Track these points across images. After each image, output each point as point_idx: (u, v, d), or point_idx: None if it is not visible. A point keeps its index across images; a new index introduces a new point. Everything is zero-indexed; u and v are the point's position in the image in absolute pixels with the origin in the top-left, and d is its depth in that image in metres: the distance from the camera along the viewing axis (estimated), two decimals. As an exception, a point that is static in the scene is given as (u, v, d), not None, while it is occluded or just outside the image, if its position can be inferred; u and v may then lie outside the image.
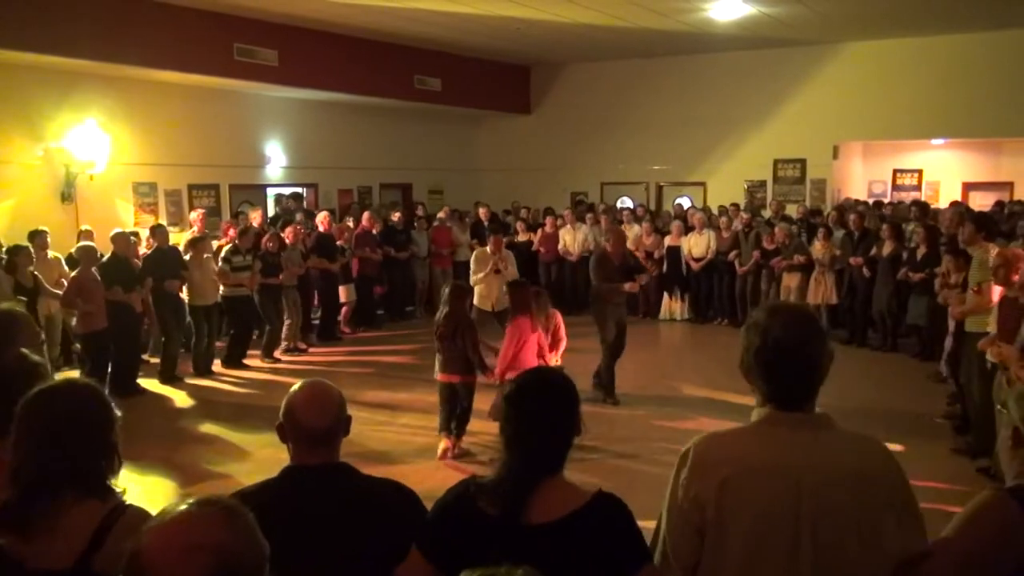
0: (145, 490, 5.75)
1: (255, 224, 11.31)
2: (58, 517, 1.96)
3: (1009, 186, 15.20)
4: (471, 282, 8.79)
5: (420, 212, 13.77)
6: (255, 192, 13.41)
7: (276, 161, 13.57)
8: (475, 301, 8.44)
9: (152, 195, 11.62)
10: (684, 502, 2.01)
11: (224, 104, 12.53)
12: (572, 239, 13.33)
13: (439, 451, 6.67)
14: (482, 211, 14.13)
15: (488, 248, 9.52)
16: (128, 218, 11.22)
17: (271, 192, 13.87)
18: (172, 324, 9.31)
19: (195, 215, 10.63)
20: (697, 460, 2.03)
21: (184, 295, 9.49)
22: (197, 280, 9.46)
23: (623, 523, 1.98)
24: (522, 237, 13.71)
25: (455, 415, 6.70)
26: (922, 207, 11.87)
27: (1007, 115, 13.01)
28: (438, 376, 6.77)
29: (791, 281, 11.23)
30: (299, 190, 13.72)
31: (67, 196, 10.48)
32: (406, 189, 16.34)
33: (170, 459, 6.67)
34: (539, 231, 13.69)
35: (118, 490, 2.08)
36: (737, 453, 2.02)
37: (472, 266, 9.29)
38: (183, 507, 1.38)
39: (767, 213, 13.60)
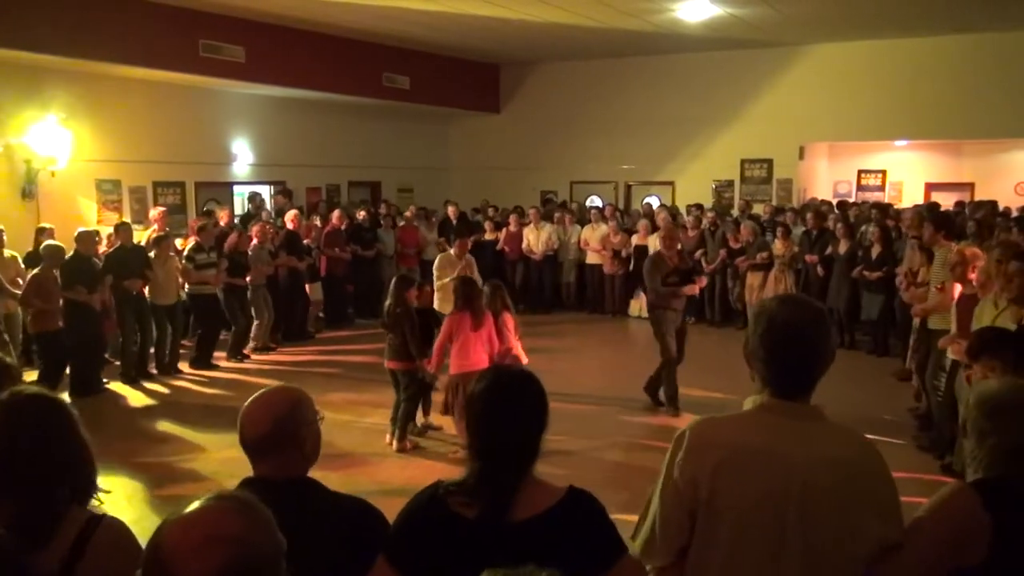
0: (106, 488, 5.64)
1: (223, 223, 11.20)
2: (58, 521, 1.98)
3: (970, 187, 15.50)
4: (435, 286, 8.57)
5: (384, 210, 13.70)
6: (222, 190, 13.28)
7: (243, 159, 13.45)
8: (436, 306, 8.31)
9: (116, 192, 11.45)
10: (679, 482, 2.04)
11: (190, 100, 12.38)
12: (536, 238, 13.34)
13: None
14: (451, 209, 14.11)
15: (453, 252, 9.16)
16: (91, 215, 11.04)
17: (238, 190, 13.75)
18: (131, 323, 9.20)
19: (155, 212, 10.50)
20: (693, 442, 2.07)
21: (147, 294, 9.37)
22: (160, 279, 9.35)
23: (598, 516, 1.99)
24: (490, 236, 13.72)
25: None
26: (881, 208, 12.05)
27: (968, 117, 13.26)
28: (385, 364, 7.04)
29: (755, 279, 11.33)
30: (258, 189, 13.64)
31: (28, 193, 10.29)
32: (375, 187, 16.26)
33: (131, 459, 6.58)
34: (504, 230, 13.69)
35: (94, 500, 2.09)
36: (732, 437, 2.06)
37: (435, 271, 8.89)
38: (200, 501, 1.40)
39: (735, 212, 13.73)
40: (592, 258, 13.21)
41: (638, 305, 12.87)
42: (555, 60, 16.16)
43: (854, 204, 14.56)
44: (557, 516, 1.94)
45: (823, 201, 14.24)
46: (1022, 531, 1.98)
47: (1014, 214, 12.05)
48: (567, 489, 2.01)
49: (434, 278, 8.72)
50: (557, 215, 13.90)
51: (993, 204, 12.81)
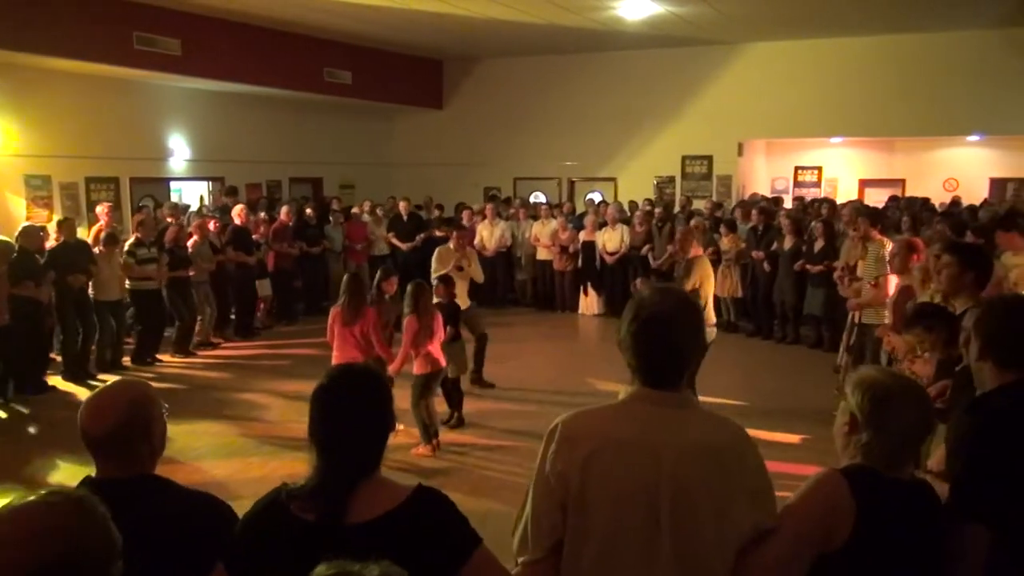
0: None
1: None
2: None
3: (901, 183, 15.98)
4: (432, 280, 8.32)
5: (336, 206, 13.55)
6: (158, 186, 12.95)
7: (180, 154, 13.13)
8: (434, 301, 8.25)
9: (46, 188, 11.07)
10: (550, 476, 2.04)
11: (124, 94, 12.03)
12: (489, 234, 13.32)
13: None
14: (402, 205, 13.96)
15: (451, 245, 8.83)
16: (20, 212, 10.67)
17: (175, 186, 13.44)
18: (73, 319, 9.03)
19: (101, 208, 10.26)
20: (564, 435, 2.06)
21: (90, 290, 9.23)
22: (105, 275, 9.23)
23: (446, 514, 1.98)
24: (441, 232, 13.66)
25: None
26: (830, 204, 12.27)
27: (900, 115, 13.66)
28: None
29: None
30: (196, 186, 13.35)
31: (-48, 189, 9.92)
32: (317, 183, 16.06)
33: (77, 456, 6.39)
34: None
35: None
36: (602, 428, 2.06)
37: (433, 264, 8.61)
38: (34, 496, 1.42)
39: (676, 209, 13.90)
40: (543, 254, 13.24)
41: (588, 302, 12.93)
42: (498, 56, 16.15)
43: (797, 200, 14.87)
44: (402, 516, 1.92)
45: (764, 197, 14.50)
46: (882, 518, 2.02)
47: (940, 209, 12.45)
48: (414, 488, 1.99)
49: (431, 271, 8.51)
50: (512, 211, 13.89)
51: (924, 200, 13.20)
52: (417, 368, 6.69)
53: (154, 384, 7.53)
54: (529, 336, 11.64)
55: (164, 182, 13.13)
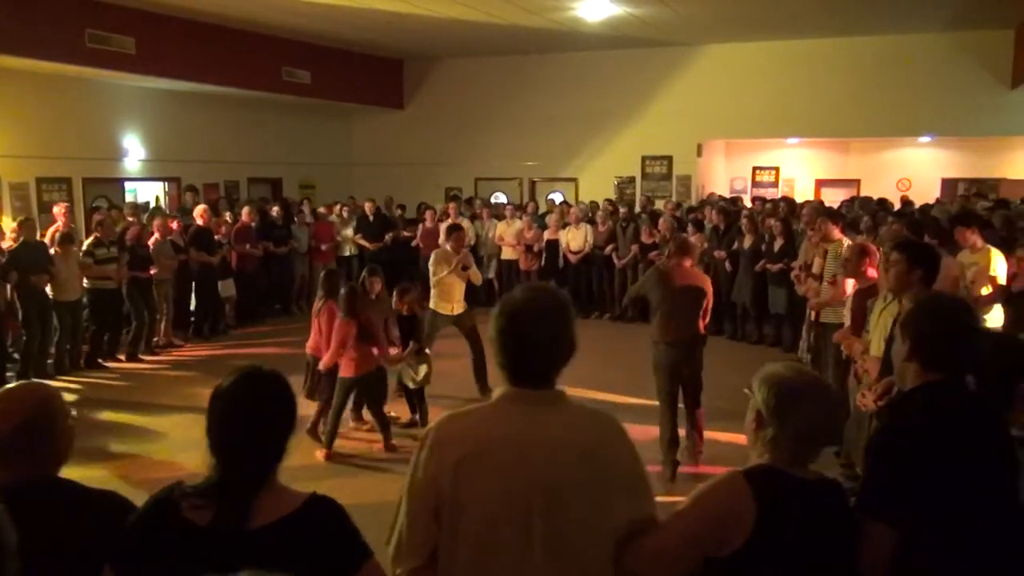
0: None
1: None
2: None
3: (856, 183, 16.27)
4: (431, 283, 8.14)
5: (307, 207, 13.40)
6: (112, 186, 12.69)
7: (135, 154, 12.88)
8: (432, 304, 8.05)
9: (-5, 189, 10.81)
10: (423, 481, 2.01)
11: (77, 93, 11.77)
12: (454, 235, 13.25)
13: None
14: (368, 205, 13.82)
15: (449, 246, 8.33)
16: (-33, 214, 10.41)
17: (130, 186, 13.19)
18: (36, 320, 8.94)
19: (58, 209, 10.07)
20: (436, 440, 2.03)
21: (49, 291, 9.11)
22: (63, 275, 9.10)
23: (338, 524, 1.95)
24: (408, 233, 13.57)
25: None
26: (789, 204, 12.39)
27: (855, 117, 13.90)
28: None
29: None
30: (152, 186, 13.12)
31: None
32: (276, 184, 15.86)
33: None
34: (419, 226, 13.56)
35: None
36: (474, 431, 2.03)
37: (431, 267, 8.18)
38: None
39: (637, 209, 13.97)
40: (507, 253, 13.21)
41: None
42: (459, 56, 16.11)
43: (757, 200, 15.01)
44: (293, 524, 1.89)
45: (722, 197, 14.64)
46: (781, 521, 2.01)
47: (896, 207, 12.67)
48: (307, 496, 1.96)
49: (430, 273, 8.18)
50: (476, 211, 13.87)
51: (881, 201, 13.42)
52: (343, 371, 6.59)
53: (114, 384, 7.53)
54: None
55: (119, 182, 12.87)
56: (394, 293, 7.18)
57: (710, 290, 6.20)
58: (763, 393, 2.13)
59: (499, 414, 2.06)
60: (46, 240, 9.32)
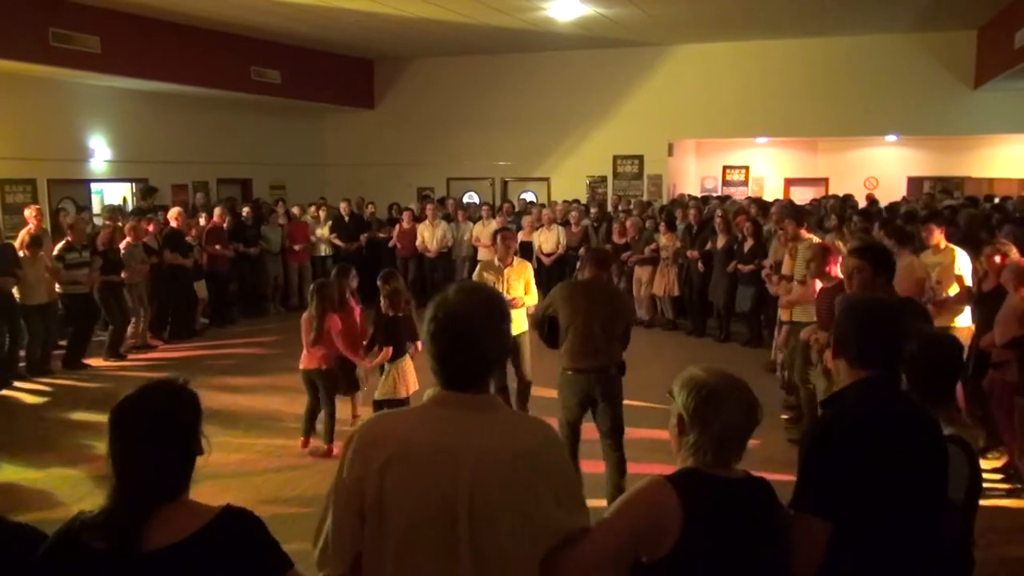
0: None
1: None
2: None
3: (825, 181, 16.47)
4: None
5: (281, 208, 13.29)
6: (78, 187, 12.50)
7: (101, 155, 12.70)
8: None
9: (-43, 191, 10.62)
10: (348, 484, 1.96)
11: (40, 92, 11.58)
12: (431, 235, 13.20)
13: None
14: (343, 206, 13.72)
15: (494, 257, 7.04)
16: (-71, 216, 10.22)
17: (96, 187, 13.00)
18: (2, 324, 8.77)
19: (29, 212, 9.94)
20: (361, 441, 1.98)
21: (16, 294, 8.94)
22: (30, 279, 8.95)
23: (253, 536, 1.90)
24: (383, 234, 13.52)
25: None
26: (759, 204, 12.48)
27: (822, 116, 14.08)
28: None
29: (643, 274, 11.52)
30: (118, 187, 12.98)
31: None
32: (246, 184, 15.72)
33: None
34: (396, 227, 13.50)
35: None
36: (401, 433, 1.98)
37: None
38: None
39: (609, 208, 14.02)
40: (483, 255, 13.15)
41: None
42: (430, 56, 16.07)
43: (719, 198, 15.13)
44: (203, 540, 1.84)
45: (692, 196, 14.74)
46: (709, 523, 2.01)
47: (861, 206, 12.84)
48: (219, 510, 1.90)
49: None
50: (451, 211, 13.83)
51: (846, 197, 13.58)
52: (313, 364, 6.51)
53: (89, 387, 7.46)
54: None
55: (85, 183, 12.68)
56: (378, 281, 6.59)
57: (627, 308, 5.60)
58: (683, 397, 2.13)
59: (428, 417, 1.99)
60: (16, 243, 9.17)
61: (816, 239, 7.50)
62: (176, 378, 2.00)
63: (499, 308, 2.04)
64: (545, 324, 5.24)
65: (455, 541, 1.88)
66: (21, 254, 8.98)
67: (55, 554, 1.85)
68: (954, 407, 2.86)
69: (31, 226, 9.59)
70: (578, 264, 5.77)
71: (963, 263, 6.67)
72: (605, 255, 5.52)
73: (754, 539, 2.07)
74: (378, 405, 6.15)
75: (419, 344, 6.07)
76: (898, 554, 2.27)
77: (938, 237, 6.89)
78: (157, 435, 1.87)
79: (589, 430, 5.29)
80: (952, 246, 6.86)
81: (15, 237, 9.44)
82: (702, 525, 2.00)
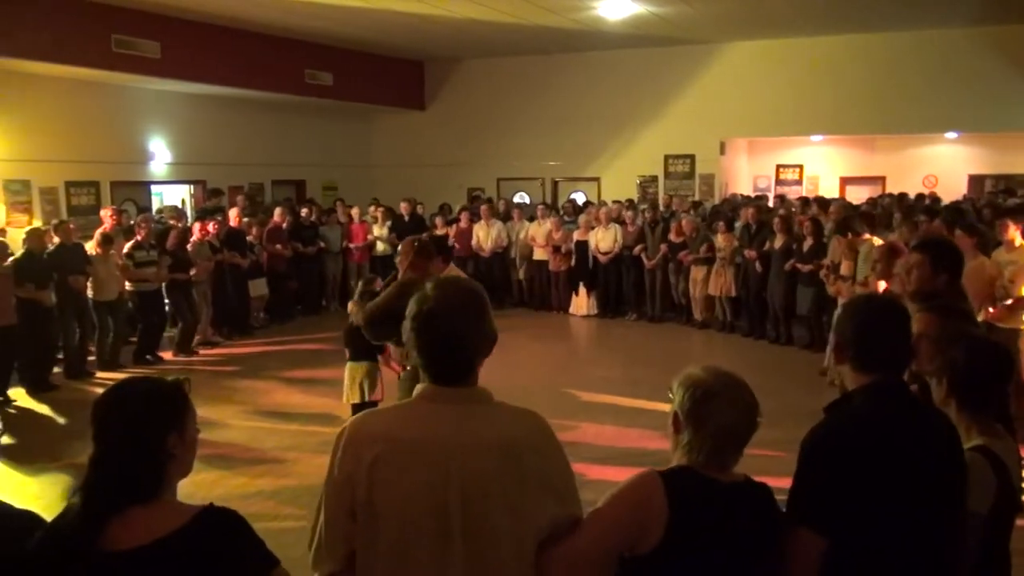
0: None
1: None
2: None
3: (882, 180, 16.12)
4: None
5: (339, 209, 13.58)
6: (138, 189, 12.83)
7: (160, 157, 13.00)
8: None
9: (25, 193, 10.94)
10: (338, 481, 1.95)
11: (103, 97, 11.91)
12: (485, 235, 13.28)
13: None
14: (404, 206, 13.90)
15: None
16: (-1, 218, 10.56)
17: (156, 189, 13.35)
18: (73, 320, 9.23)
19: (106, 212, 10.40)
20: (351, 438, 1.97)
21: (89, 291, 9.37)
22: (102, 276, 9.35)
23: (235, 535, 1.87)
24: (441, 231, 13.64)
25: None
26: (820, 202, 12.21)
27: (879, 113, 13.79)
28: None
29: (698, 274, 11.41)
30: (177, 189, 13.36)
31: (-70, 195, 9.77)
32: (300, 185, 15.96)
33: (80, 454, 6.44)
34: (454, 226, 13.60)
35: None
36: (390, 429, 1.97)
37: None
38: None
39: (661, 207, 13.90)
40: (539, 254, 13.20)
41: (579, 302, 12.85)
42: (479, 57, 16.12)
43: (766, 197, 14.93)
44: (182, 539, 1.80)
45: (743, 196, 14.55)
46: (694, 523, 1.97)
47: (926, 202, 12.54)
48: (199, 509, 1.86)
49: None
50: (516, 211, 13.90)
51: (902, 196, 13.28)
52: None
53: None
54: (517, 335, 11.51)
55: (145, 185, 13.01)
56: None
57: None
58: (679, 396, 2.09)
59: (416, 412, 1.99)
60: (89, 243, 9.56)
61: (878, 240, 7.34)
62: (163, 377, 1.99)
63: (479, 299, 2.03)
64: (388, 324, 4.12)
65: (448, 534, 1.89)
66: (93, 252, 9.33)
67: (36, 554, 1.83)
68: (993, 417, 2.67)
69: (106, 225, 9.95)
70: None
71: (1039, 262, 6.43)
72: (424, 245, 4.86)
73: (741, 546, 2.01)
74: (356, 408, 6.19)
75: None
76: (903, 570, 2.14)
77: (1013, 233, 6.59)
78: (125, 434, 1.84)
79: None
80: None
81: (88, 238, 9.73)
82: (687, 525, 1.96)
